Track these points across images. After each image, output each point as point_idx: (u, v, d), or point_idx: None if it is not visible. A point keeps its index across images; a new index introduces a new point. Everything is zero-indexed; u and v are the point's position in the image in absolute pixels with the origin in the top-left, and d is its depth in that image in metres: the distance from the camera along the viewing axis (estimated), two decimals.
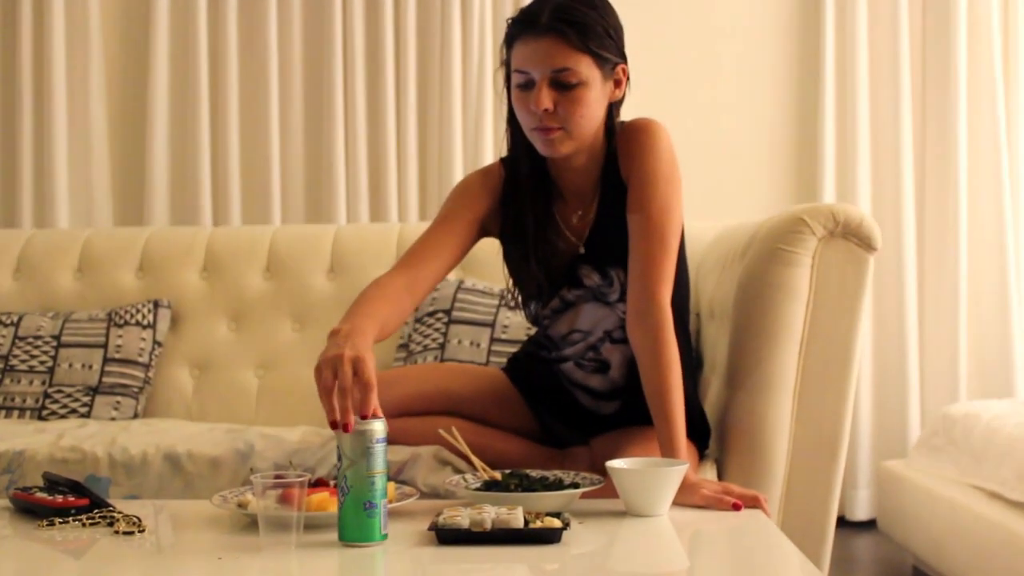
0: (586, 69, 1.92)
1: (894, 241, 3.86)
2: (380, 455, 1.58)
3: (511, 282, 2.18)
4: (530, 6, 1.95)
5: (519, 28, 1.95)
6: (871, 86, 3.94)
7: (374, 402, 1.61)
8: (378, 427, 1.59)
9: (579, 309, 2.13)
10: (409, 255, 2.03)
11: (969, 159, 3.92)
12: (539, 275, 2.10)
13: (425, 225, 3.19)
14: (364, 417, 1.59)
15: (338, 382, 1.61)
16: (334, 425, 1.59)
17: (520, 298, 2.18)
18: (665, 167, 2.00)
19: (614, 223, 2.05)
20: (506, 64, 2.00)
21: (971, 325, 3.92)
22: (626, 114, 2.09)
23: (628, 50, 2.01)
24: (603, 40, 1.93)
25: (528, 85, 1.94)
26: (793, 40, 4.02)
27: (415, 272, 1.99)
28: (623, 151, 2.03)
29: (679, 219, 2.02)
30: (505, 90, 2.03)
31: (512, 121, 2.06)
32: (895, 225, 3.88)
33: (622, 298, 2.07)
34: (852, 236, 2.15)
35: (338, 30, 3.82)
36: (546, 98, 1.91)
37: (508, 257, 2.15)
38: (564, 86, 1.92)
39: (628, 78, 2.03)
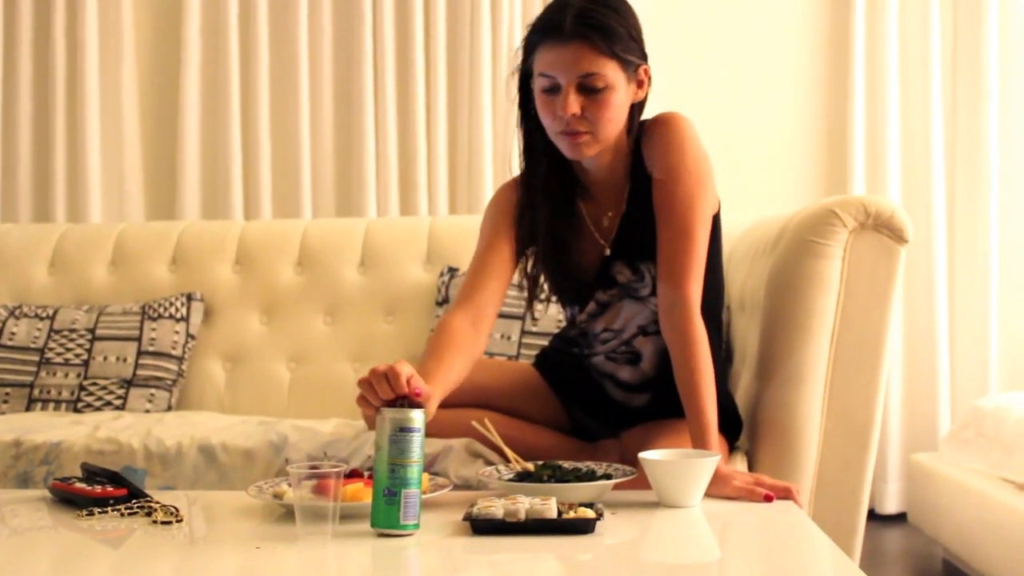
0: (612, 73, 1.92)
1: (924, 233, 3.85)
2: (404, 444, 1.57)
3: (526, 287, 2.18)
4: (551, 13, 1.94)
5: (542, 35, 1.94)
6: (901, 76, 3.92)
7: (411, 385, 1.61)
8: (402, 416, 1.58)
9: (615, 309, 2.15)
10: (467, 287, 2.04)
11: (1000, 149, 3.90)
12: (573, 284, 2.12)
13: (455, 219, 3.26)
14: (401, 401, 1.60)
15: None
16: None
17: (531, 301, 2.19)
18: (689, 160, 1.99)
19: (643, 218, 2.05)
20: (522, 70, 2.00)
21: (1002, 318, 3.90)
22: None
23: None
24: (627, 43, 1.93)
25: (553, 89, 1.94)
26: (823, 31, 4.01)
27: (477, 304, 2.01)
28: (647, 146, 2.04)
29: (706, 212, 2.01)
30: (518, 95, 2.04)
31: (526, 124, 2.07)
32: (925, 217, 3.86)
33: (654, 292, 2.07)
34: (883, 228, 2.15)
35: (368, 24, 3.84)
36: (574, 103, 1.91)
37: (543, 266, 2.14)
38: (591, 90, 1.92)
39: (650, 78, 2.02)
